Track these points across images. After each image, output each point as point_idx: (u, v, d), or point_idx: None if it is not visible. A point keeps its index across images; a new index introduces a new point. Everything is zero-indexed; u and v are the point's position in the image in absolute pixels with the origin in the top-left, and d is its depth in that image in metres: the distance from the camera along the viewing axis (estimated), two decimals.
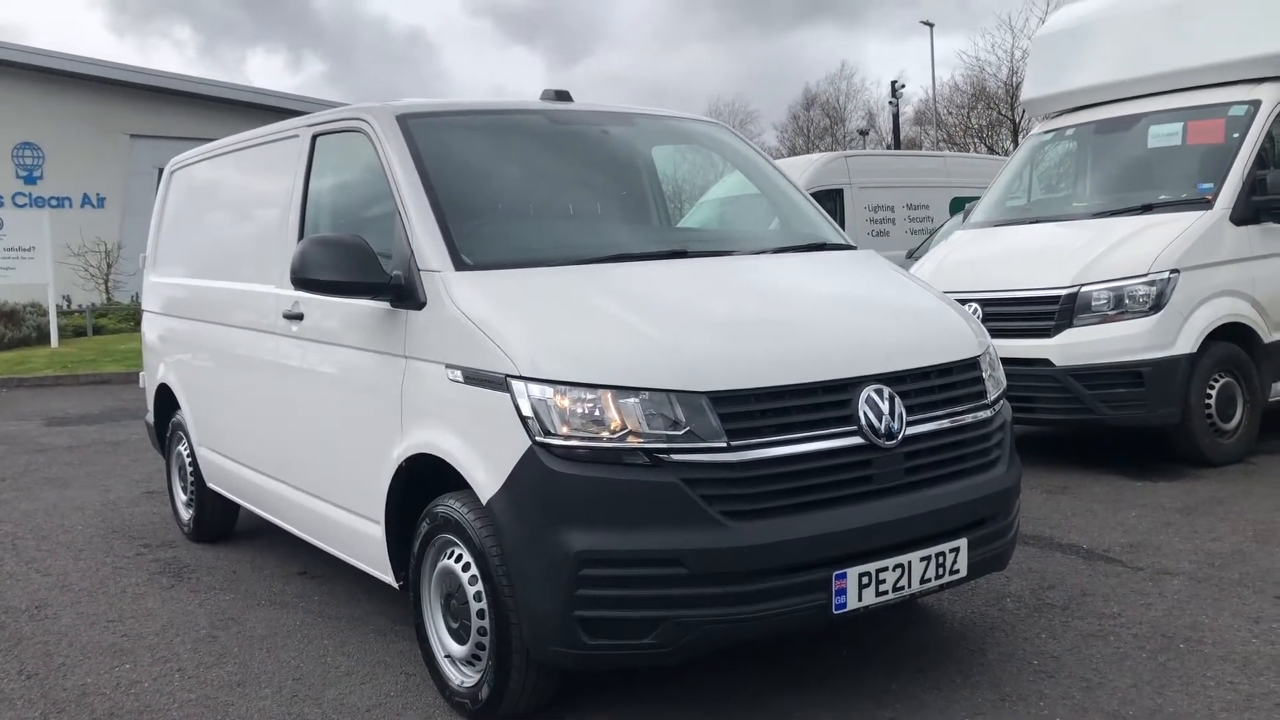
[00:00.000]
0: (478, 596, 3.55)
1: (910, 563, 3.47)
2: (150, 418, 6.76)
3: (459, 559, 3.63)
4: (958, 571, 3.61)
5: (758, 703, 3.72)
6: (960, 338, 3.90)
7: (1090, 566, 5.04)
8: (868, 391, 3.47)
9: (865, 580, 3.37)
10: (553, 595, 3.24)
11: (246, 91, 28.89)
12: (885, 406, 3.48)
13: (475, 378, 3.51)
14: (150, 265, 6.73)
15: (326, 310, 4.39)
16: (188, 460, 6.13)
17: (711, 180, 8.30)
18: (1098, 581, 4.83)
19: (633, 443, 3.22)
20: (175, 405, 6.23)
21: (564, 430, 3.25)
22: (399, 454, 3.86)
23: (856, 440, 3.42)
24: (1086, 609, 4.49)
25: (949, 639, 4.24)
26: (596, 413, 3.24)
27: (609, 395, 3.25)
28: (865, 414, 3.44)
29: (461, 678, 3.72)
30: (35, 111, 25.45)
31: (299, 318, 4.59)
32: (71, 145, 25.68)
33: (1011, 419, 4.05)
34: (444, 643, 3.79)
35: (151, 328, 6.65)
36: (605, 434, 3.23)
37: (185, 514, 6.30)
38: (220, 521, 6.10)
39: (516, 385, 3.34)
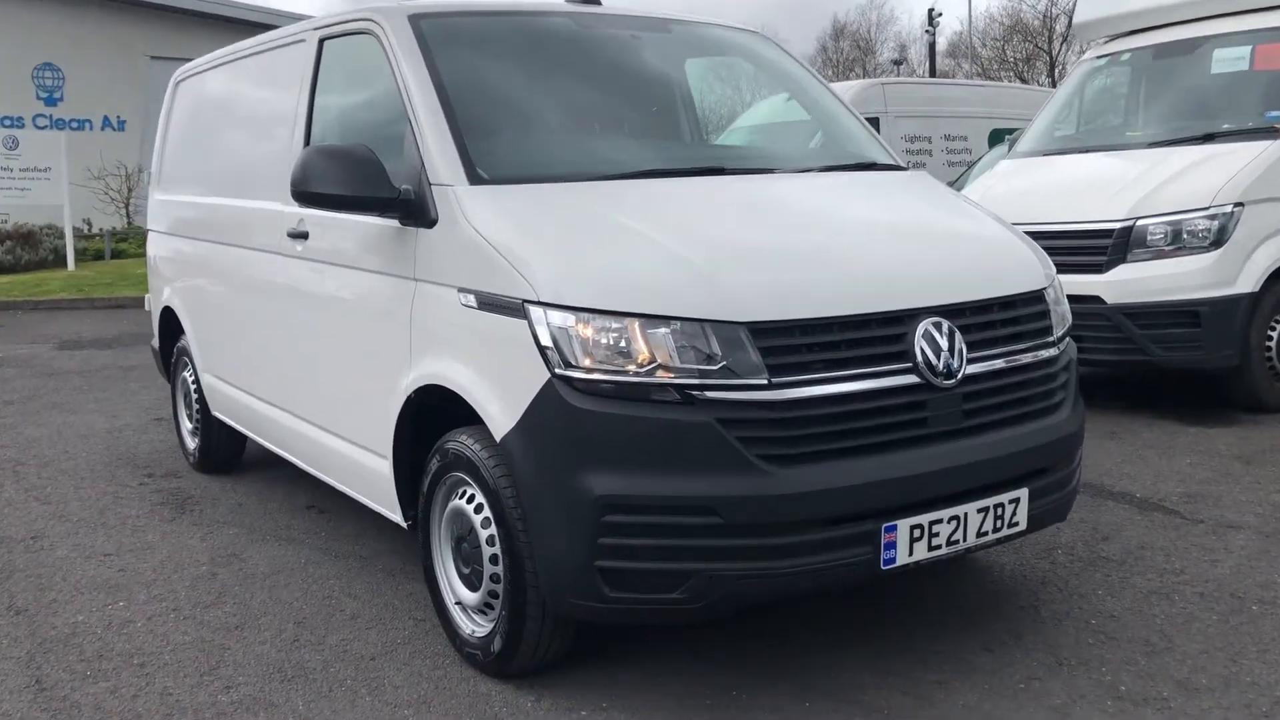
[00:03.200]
0: (490, 541, 3.26)
1: (966, 515, 3.14)
2: (155, 342, 6.49)
3: (471, 499, 3.34)
4: (1017, 525, 3.28)
5: (788, 659, 3.43)
6: (1025, 267, 3.54)
7: (1146, 518, 4.71)
8: (924, 325, 3.12)
9: (917, 533, 3.05)
10: (572, 543, 2.94)
11: (269, 13, 28.29)
12: (944, 342, 3.13)
13: (490, 303, 3.18)
14: (155, 182, 6.40)
15: (332, 228, 4.06)
16: (193, 387, 5.85)
17: (747, 105, 7.87)
18: (1155, 534, 4.50)
19: (662, 377, 2.89)
20: (180, 330, 5.95)
21: (586, 362, 2.93)
22: (407, 385, 3.55)
23: (911, 379, 3.08)
24: (1145, 564, 4.17)
25: (998, 593, 3.94)
26: (623, 344, 2.92)
27: (636, 325, 2.92)
28: (921, 350, 3.09)
29: (473, 627, 3.44)
30: (55, 33, 24.99)
31: (304, 236, 4.27)
32: (91, 67, 25.24)
33: (1076, 358, 3.69)
34: (455, 589, 3.51)
35: (156, 248, 6.34)
36: (632, 367, 2.90)
37: (190, 443, 6.04)
38: (226, 451, 5.83)
39: (535, 312, 3.01)
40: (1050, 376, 3.44)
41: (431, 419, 3.54)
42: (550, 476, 2.97)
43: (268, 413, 4.87)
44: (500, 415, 3.12)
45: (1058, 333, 3.52)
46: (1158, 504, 4.90)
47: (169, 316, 6.09)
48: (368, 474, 3.96)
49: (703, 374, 2.89)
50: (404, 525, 3.82)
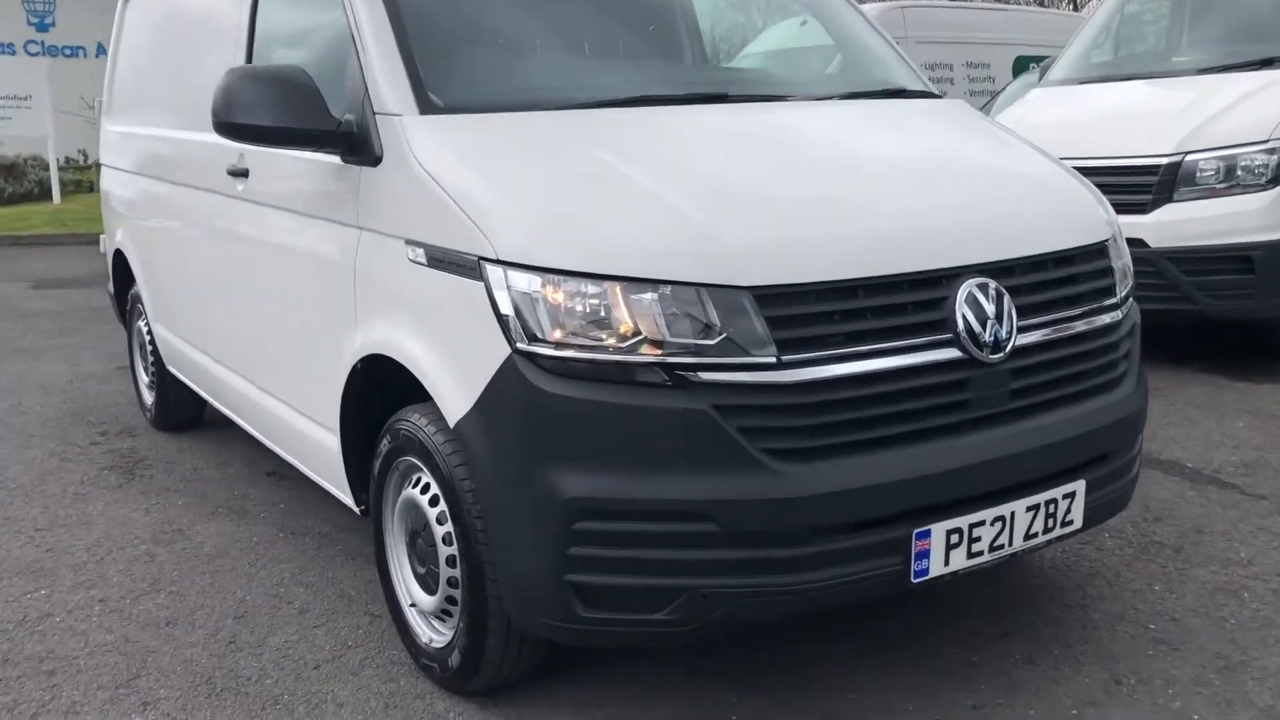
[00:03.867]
0: (447, 539, 2.75)
1: (1013, 514, 2.62)
2: (110, 286, 5.96)
3: (426, 490, 2.83)
4: (1071, 523, 2.76)
5: (795, 677, 2.94)
6: (1085, 215, 2.98)
7: (1200, 493, 4.19)
8: (968, 287, 2.58)
9: (955, 539, 2.54)
10: (538, 553, 2.43)
11: None
12: (990, 307, 2.58)
13: (441, 260, 2.64)
14: (105, 110, 5.82)
15: (271, 165, 3.50)
16: (147, 337, 5.34)
17: (759, 32, 7.20)
18: (1213, 514, 3.98)
19: (648, 354, 2.36)
20: (132, 274, 5.41)
21: (556, 335, 2.39)
22: (354, 351, 3.02)
23: (951, 353, 2.54)
24: (1205, 551, 3.66)
25: (1039, 590, 3.43)
26: (601, 313, 2.38)
27: (618, 289, 2.38)
28: (964, 317, 2.55)
29: (430, 635, 2.95)
30: None
31: (244, 175, 3.71)
32: None
33: (1139, 321, 3.14)
34: (410, 589, 3.01)
35: (108, 183, 5.78)
36: (612, 342, 2.37)
37: (148, 397, 5.54)
38: (185, 409, 5.32)
39: (493, 272, 2.47)
40: (1112, 346, 2.90)
41: (385, 390, 3.02)
42: (511, 473, 2.45)
43: (217, 372, 4.35)
44: (453, 396, 2.59)
45: (1120, 293, 2.97)
46: (1212, 476, 4.37)
47: (121, 260, 5.55)
48: (317, 449, 3.46)
49: (698, 350, 2.36)
50: (356, 510, 3.32)
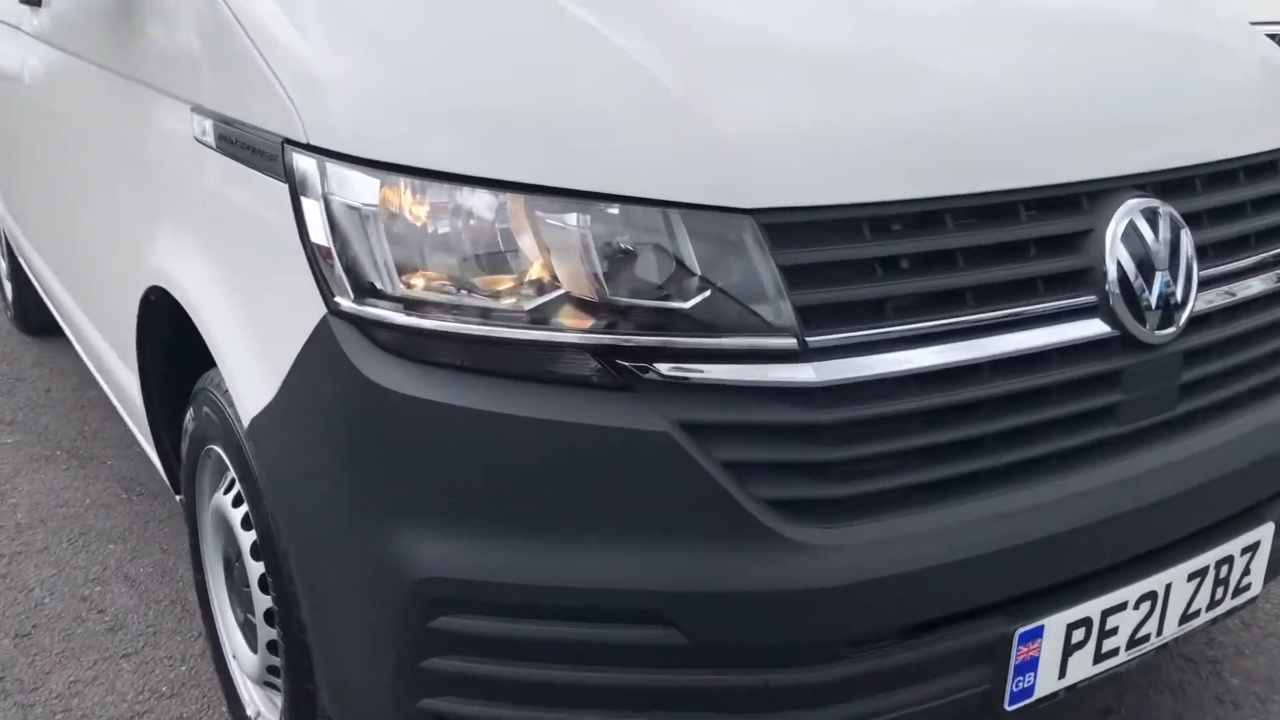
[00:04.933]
0: (263, 584, 1.74)
1: (1169, 587, 1.61)
2: None
3: (237, 500, 1.81)
4: (1247, 588, 1.75)
5: None
6: None
7: None
8: (1125, 214, 1.51)
9: (1079, 636, 1.52)
10: (375, 660, 1.42)
11: None
12: (1159, 247, 1.52)
13: (233, 140, 1.57)
14: None
15: None
16: None
17: None
18: None
19: (571, 326, 1.31)
20: None
21: (408, 286, 1.33)
22: (143, 276, 1.96)
23: (1093, 328, 1.49)
24: None
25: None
26: (491, 247, 1.32)
27: (523, 206, 1.31)
28: (1118, 265, 1.49)
29: (258, 706, 1.97)
30: None
31: (38, 2, 2.59)
32: None
33: None
34: (230, 636, 2.02)
35: None
36: (509, 302, 1.31)
37: (7, 288, 4.49)
38: (45, 309, 4.26)
39: (303, 165, 1.40)
40: None
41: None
42: (331, 525, 1.42)
43: (41, 267, 3.30)
44: (244, 374, 1.55)
45: None
46: None
47: None
48: (124, 393, 2.44)
49: (660, 321, 1.30)
50: (174, 493, 2.31)
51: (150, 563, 2.73)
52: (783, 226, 1.32)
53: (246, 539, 1.78)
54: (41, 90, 2.69)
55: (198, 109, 1.66)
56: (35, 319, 4.31)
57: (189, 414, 1.94)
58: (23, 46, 2.84)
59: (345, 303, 1.35)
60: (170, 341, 2.04)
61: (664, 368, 1.29)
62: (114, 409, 3.57)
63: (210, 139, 1.62)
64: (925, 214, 1.40)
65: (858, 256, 1.35)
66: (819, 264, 1.33)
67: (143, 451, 2.81)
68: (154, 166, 1.85)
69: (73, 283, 2.80)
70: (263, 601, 1.76)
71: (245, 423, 1.55)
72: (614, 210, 1.31)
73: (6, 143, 3.56)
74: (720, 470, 1.30)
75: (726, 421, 1.31)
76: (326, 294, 1.37)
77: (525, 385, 1.31)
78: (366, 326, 1.35)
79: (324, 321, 1.37)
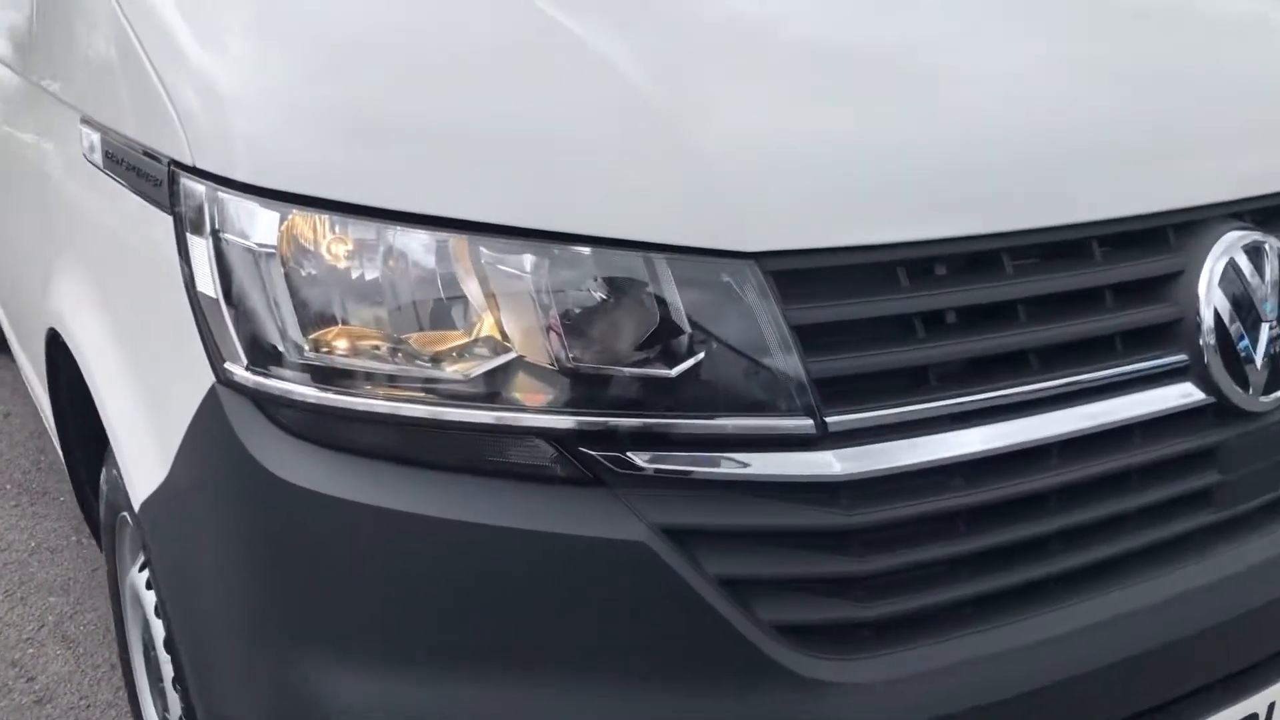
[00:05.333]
0: (176, 685, 1.46)
1: (1273, 707, 1.30)
2: None
3: (149, 579, 1.53)
4: None
5: None
6: None
7: None
8: (1223, 249, 1.21)
9: None
10: None
11: None
12: (1268, 290, 1.22)
13: (118, 159, 1.28)
14: None
15: None
16: None
17: None
18: None
19: (523, 400, 1.01)
20: None
21: (318, 351, 1.04)
22: (43, 317, 1.68)
23: (1185, 394, 1.19)
24: None
25: None
26: (427, 298, 1.03)
27: (464, 248, 1.02)
28: (1215, 314, 1.19)
29: None
30: None
31: None
32: None
33: None
34: None
35: None
36: (443, 370, 1.02)
37: None
38: None
39: (189, 192, 1.11)
40: None
41: None
42: (230, 645, 1.13)
43: None
44: (135, 448, 1.26)
45: None
46: None
47: None
48: (45, 415, 2.16)
49: (635, 395, 1.01)
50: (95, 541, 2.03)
51: (91, 620, 2.45)
52: (795, 274, 1.03)
53: (159, 629, 1.50)
54: None
55: (86, 120, 1.38)
56: None
57: (103, 474, 1.66)
58: None
59: (237, 370, 1.06)
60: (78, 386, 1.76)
61: (642, 457, 1.00)
62: None
63: (98, 157, 1.33)
64: (977, 255, 1.11)
65: (892, 311, 1.05)
66: (842, 322, 1.04)
67: None
68: (51, 186, 1.57)
69: (3, 304, 2.53)
70: (177, 705, 1.48)
71: (136, 505, 1.26)
72: (581, 253, 1.02)
73: None
74: (714, 589, 1.00)
75: (722, 527, 1.01)
76: (215, 358, 1.08)
77: (465, 480, 1.02)
78: (264, 401, 1.06)
79: (212, 392, 1.08)
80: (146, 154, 1.20)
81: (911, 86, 1.17)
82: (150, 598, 1.53)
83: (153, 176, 1.17)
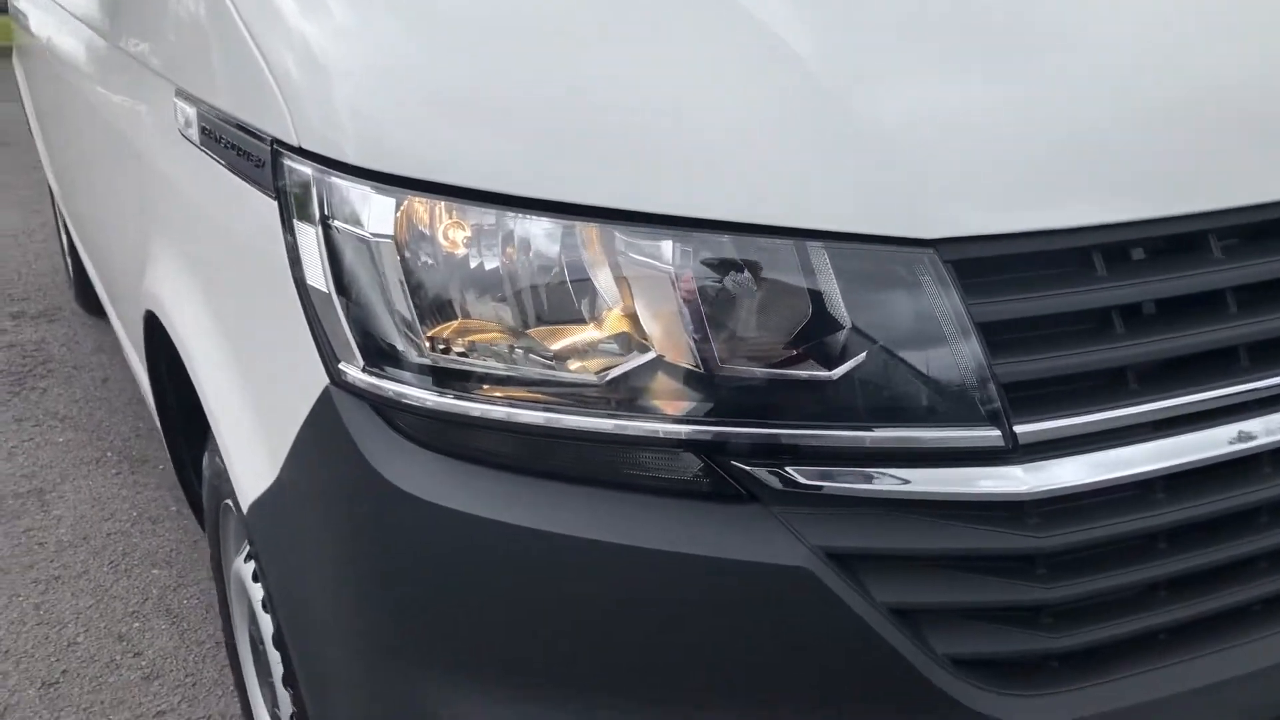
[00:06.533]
0: (288, 685, 1.40)
1: None
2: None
3: (256, 571, 1.47)
4: None
5: None
6: None
7: None
8: None
9: None
10: None
11: None
12: None
13: (216, 136, 1.19)
14: None
15: None
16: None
17: None
18: None
19: (662, 407, 0.91)
20: None
21: (441, 351, 0.95)
22: (141, 295, 1.62)
23: None
24: None
25: None
26: (557, 294, 0.92)
27: (597, 237, 0.91)
28: None
29: None
30: None
31: None
32: None
33: None
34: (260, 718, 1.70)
35: None
36: (573, 372, 0.92)
37: (70, 263, 4.26)
38: None
39: (296, 175, 1.01)
40: None
41: None
42: (346, 662, 1.06)
43: (89, 265, 3.01)
44: (243, 445, 1.19)
45: None
46: None
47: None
48: (142, 386, 2.12)
49: (793, 401, 0.90)
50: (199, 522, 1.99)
51: (194, 595, 2.43)
52: (978, 263, 0.90)
53: (267, 625, 1.44)
54: (61, 61, 2.36)
55: (181, 93, 1.29)
56: (96, 298, 4.07)
57: (206, 457, 1.60)
58: (57, 15, 2.51)
59: (353, 371, 0.97)
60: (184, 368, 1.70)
61: (802, 472, 0.89)
62: None
63: (194, 133, 1.25)
64: (1179, 237, 0.97)
65: (1087, 304, 0.92)
66: (1031, 317, 0.91)
67: None
68: (145, 161, 1.49)
69: (101, 275, 2.50)
70: (287, 704, 1.42)
71: (244, 506, 1.19)
72: (730, 241, 0.90)
73: (49, 114, 3.28)
74: (884, 618, 0.89)
75: (893, 550, 0.90)
76: (328, 357, 0.99)
77: (600, 495, 0.92)
78: (382, 405, 0.97)
79: (326, 395, 0.99)
80: (247, 131, 1.10)
81: (1098, 58, 1.02)
82: (257, 590, 1.47)
83: (254, 156, 1.08)
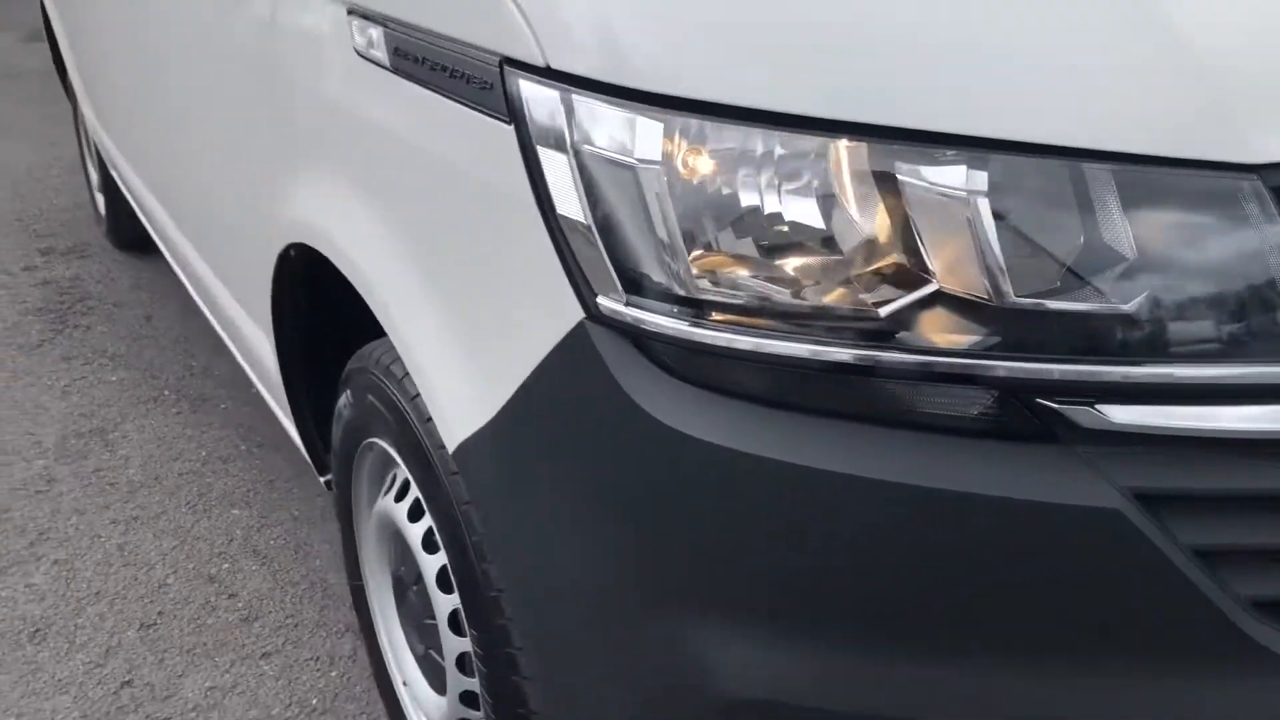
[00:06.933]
0: (455, 624, 1.37)
1: None
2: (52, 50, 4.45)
3: (415, 515, 1.43)
4: None
5: None
6: None
7: None
8: None
9: None
10: None
11: None
12: None
13: (417, 56, 1.13)
14: None
15: None
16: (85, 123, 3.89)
17: None
18: None
19: (949, 342, 0.87)
20: None
21: (710, 282, 0.90)
22: (279, 230, 1.55)
23: None
24: None
25: None
26: (833, 221, 0.87)
27: (875, 159, 0.86)
28: None
29: None
30: None
31: None
32: None
33: None
34: (400, 660, 1.67)
35: None
36: (851, 303, 0.87)
37: (100, 201, 4.15)
38: (140, 224, 3.92)
39: (537, 97, 0.96)
40: None
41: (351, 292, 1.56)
42: (591, 610, 1.02)
43: (145, 196, 2.92)
44: (446, 383, 1.14)
45: None
46: None
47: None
48: (257, 353, 2.05)
49: (1089, 336, 0.86)
50: (319, 477, 1.95)
51: (280, 534, 2.39)
52: None
53: (431, 564, 1.40)
54: None
55: (357, 10, 1.22)
56: (129, 234, 3.97)
57: (343, 398, 1.55)
58: None
59: (612, 304, 0.92)
60: (312, 303, 1.64)
61: (1115, 411, 0.85)
62: (221, 341, 3.24)
63: (382, 54, 1.18)
64: None
65: None
66: None
67: (259, 394, 2.45)
68: (296, 85, 1.41)
69: (180, 215, 2.42)
70: (455, 644, 1.39)
71: (450, 446, 1.14)
72: (1025, 163, 0.86)
73: (93, 35, 3.16)
74: (1189, 560, 0.86)
75: (1199, 491, 0.87)
76: (584, 290, 0.94)
77: (884, 434, 0.89)
78: (646, 340, 0.92)
79: (579, 329, 0.94)
80: (462, 52, 1.04)
81: None
82: (416, 530, 1.43)
83: (476, 79, 1.02)
